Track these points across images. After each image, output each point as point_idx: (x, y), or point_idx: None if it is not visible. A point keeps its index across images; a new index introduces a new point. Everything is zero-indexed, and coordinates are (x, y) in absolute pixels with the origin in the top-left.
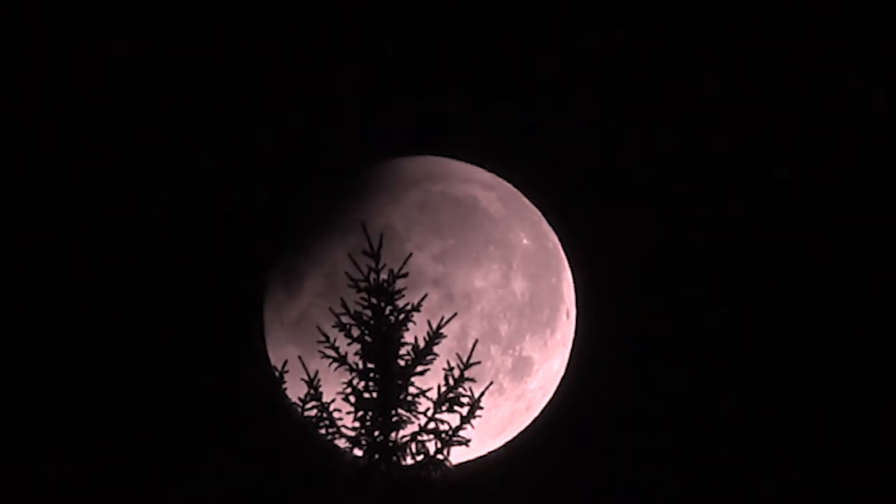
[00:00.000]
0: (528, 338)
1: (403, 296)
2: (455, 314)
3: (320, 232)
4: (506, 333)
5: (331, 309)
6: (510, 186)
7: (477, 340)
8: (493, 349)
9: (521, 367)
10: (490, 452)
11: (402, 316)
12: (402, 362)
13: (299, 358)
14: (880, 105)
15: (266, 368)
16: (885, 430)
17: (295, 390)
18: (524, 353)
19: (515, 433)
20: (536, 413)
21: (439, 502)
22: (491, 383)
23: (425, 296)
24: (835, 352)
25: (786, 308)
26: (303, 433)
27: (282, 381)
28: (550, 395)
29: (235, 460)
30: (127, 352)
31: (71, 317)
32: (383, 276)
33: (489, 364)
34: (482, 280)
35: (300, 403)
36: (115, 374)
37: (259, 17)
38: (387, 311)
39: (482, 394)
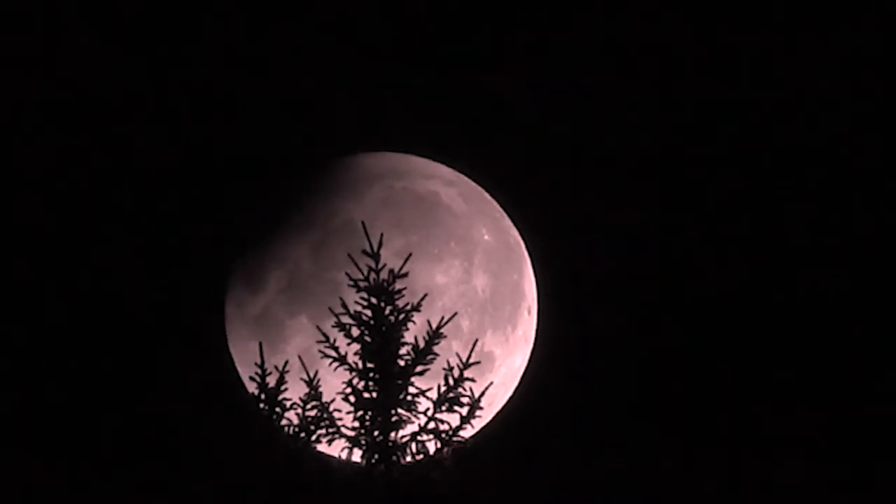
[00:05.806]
0: (489, 333)
1: (403, 295)
2: (455, 314)
3: (282, 228)
4: (467, 329)
5: (330, 309)
6: (472, 183)
7: (477, 340)
8: (455, 345)
9: (483, 363)
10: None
11: (402, 316)
12: (401, 362)
13: (299, 357)
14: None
15: (228, 365)
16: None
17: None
18: (486, 349)
19: (477, 429)
20: (498, 409)
21: (439, 502)
22: (491, 383)
23: (425, 295)
24: (794, 347)
25: (747, 305)
26: (269, 430)
27: (282, 380)
28: (512, 390)
29: (205, 458)
30: (87, 350)
31: (27, 319)
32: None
33: (452, 359)
34: (444, 276)
35: (300, 403)
36: (75, 376)
37: (219, 16)
38: (387, 311)
39: (482, 393)
